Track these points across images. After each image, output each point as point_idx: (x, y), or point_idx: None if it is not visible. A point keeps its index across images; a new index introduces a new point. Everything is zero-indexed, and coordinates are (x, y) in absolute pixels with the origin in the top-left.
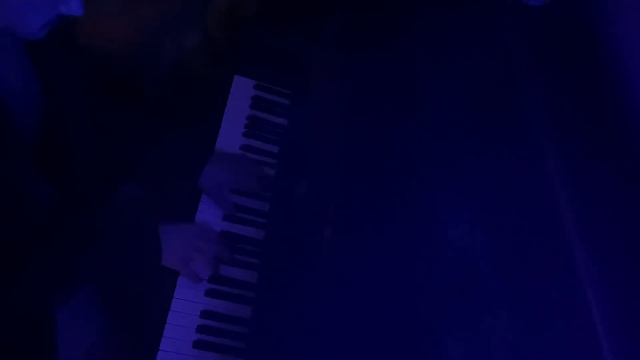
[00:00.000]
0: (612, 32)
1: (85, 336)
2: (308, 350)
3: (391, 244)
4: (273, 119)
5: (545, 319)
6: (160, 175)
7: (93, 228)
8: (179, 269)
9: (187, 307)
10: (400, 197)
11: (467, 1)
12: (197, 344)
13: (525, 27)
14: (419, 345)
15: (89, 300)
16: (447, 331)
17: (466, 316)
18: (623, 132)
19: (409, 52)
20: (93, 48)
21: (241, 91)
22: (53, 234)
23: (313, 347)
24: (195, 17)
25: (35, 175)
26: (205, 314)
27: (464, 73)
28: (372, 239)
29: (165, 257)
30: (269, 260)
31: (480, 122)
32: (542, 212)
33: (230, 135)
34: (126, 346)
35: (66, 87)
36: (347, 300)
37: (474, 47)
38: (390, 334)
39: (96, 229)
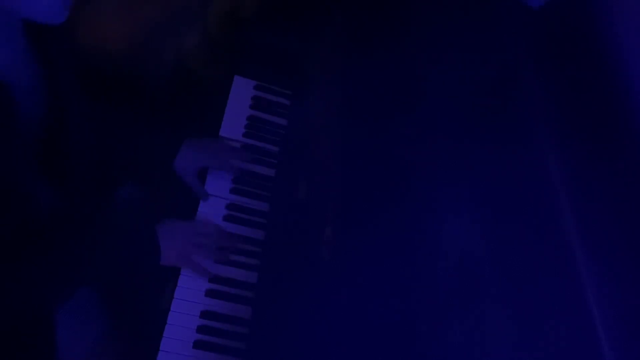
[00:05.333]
0: (612, 32)
1: (85, 336)
2: (308, 350)
3: (391, 244)
4: (273, 119)
5: (546, 319)
6: (160, 175)
7: (93, 228)
8: (182, 266)
9: (187, 307)
10: (401, 197)
11: (467, 1)
12: (197, 344)
13: (525, 27)
14: (419, 345)
15: (89, 300)
16: (448, 331)
17: (467, 316)
18: (623, 132)
19: (408, 52)
20: (93, 48)
21: (241, 91)
22: (53, 233)
23: (313, 347)
24: (196, 17)
25: (37, 174)
26: (205, 315)
27: (464, 73)
28: (372, 239)
29: (164, 256)
30: (269, 260)
31: (480, 123)
32: (542, 212)
33: (231, 136)
34: (126, 346)
35: (67, 86)
36: (347, 300)
37: (474, 47)
38: (390, 335)
39: (96, 228)
